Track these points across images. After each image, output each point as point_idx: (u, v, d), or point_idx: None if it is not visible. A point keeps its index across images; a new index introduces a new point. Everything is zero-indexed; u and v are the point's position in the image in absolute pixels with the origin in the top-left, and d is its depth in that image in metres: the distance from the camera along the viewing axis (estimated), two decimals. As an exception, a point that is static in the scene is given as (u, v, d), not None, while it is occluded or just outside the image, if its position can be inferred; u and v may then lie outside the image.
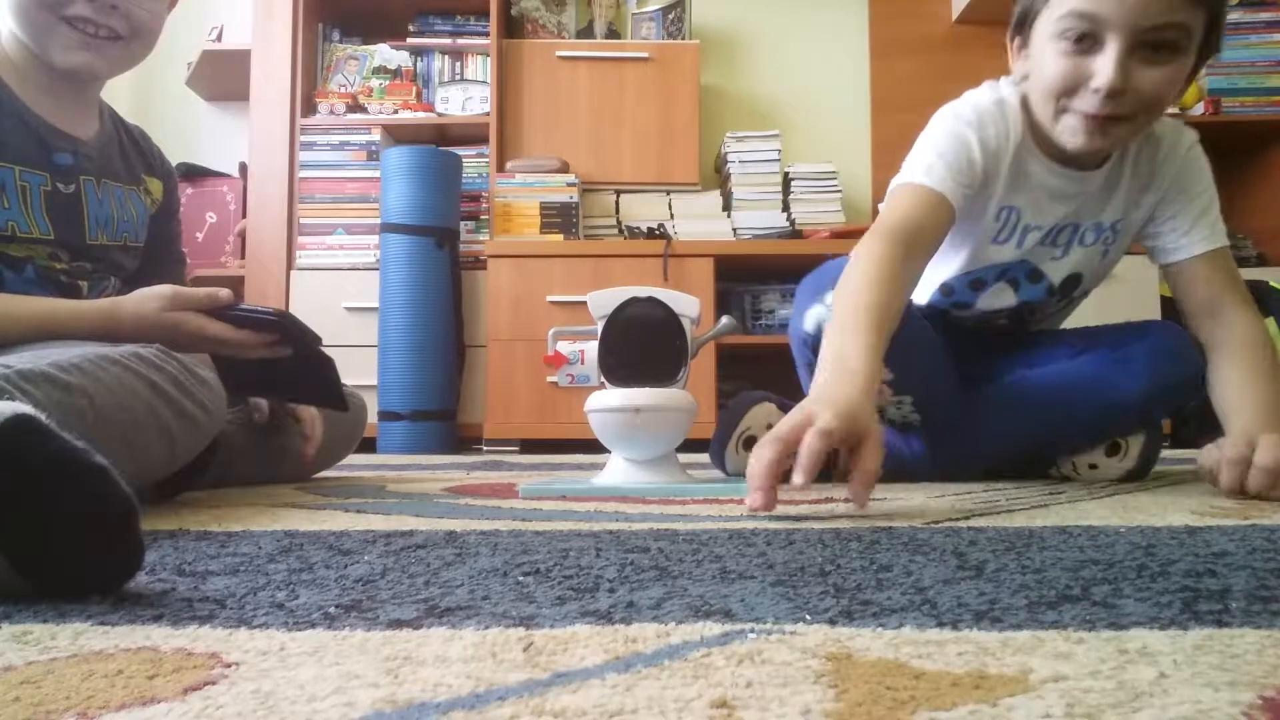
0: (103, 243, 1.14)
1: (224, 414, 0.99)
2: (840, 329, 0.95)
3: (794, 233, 2.83)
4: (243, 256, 2.92)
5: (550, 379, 2.59)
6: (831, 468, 1.17)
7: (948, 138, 1.14)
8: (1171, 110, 2.74)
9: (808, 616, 0.43)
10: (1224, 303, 1.16)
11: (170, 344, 0.96)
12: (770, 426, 1.17)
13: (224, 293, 1.07)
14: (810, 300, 1.23)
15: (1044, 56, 1.05)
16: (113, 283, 1.18)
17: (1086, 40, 1.01)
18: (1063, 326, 1.41)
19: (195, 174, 3.02)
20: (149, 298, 1.03)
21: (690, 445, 1.29)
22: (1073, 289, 1.28)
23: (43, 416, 0.49)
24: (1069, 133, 1.08)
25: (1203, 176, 1.20)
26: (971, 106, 1.16)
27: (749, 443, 1.26)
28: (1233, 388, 1.09)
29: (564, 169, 2.85)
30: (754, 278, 2.88)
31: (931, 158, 1.13)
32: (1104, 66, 1.00)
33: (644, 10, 3.07)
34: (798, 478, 0.76)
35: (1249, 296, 1.17)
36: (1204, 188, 1.20)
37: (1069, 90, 1.05)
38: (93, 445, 0.76)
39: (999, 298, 1.28)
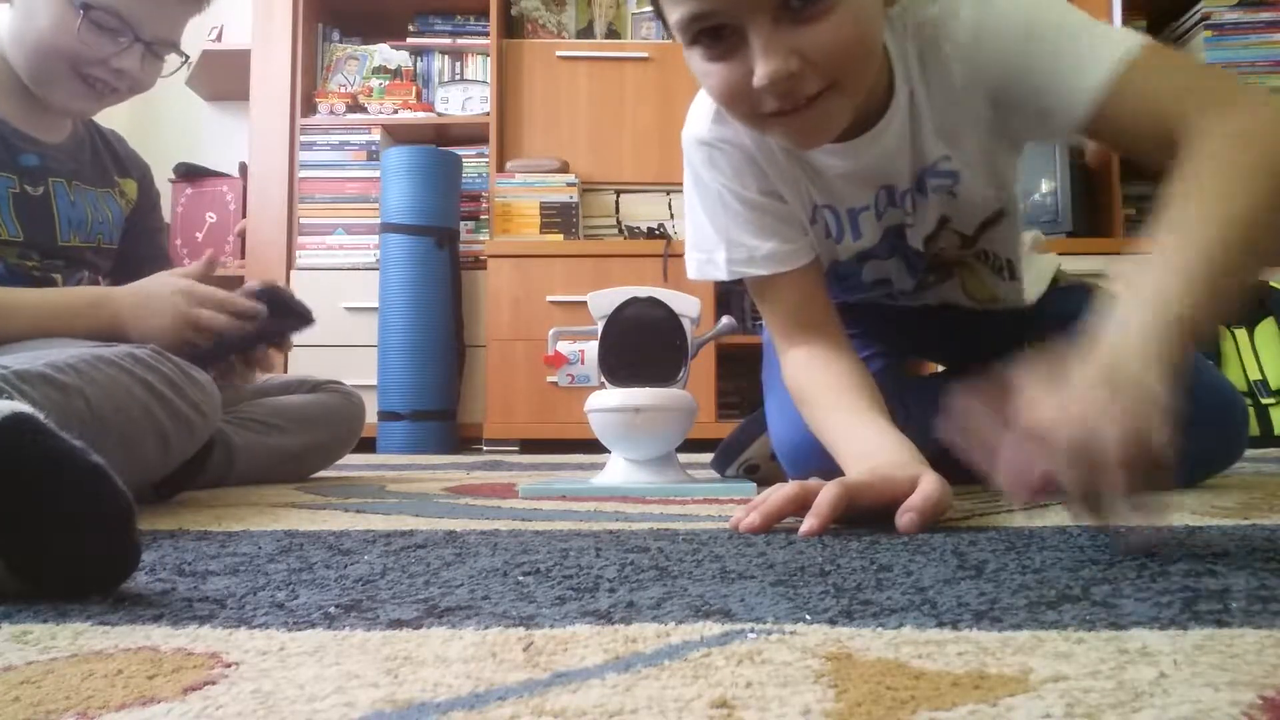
0: (75, 244, 1.16)
1: (218, 415, 0.99)
2: (843, 439, 0.86)
3: (794, 233, 2.82)
4: (243, 256, 2.92)
5: (550, 379, 2.59)
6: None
7: (706, 209, 0.97)
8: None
9: (808, 616, 0.43)
10: (1174, 125, 0.76)
11: (170, 313, 1.01)
12: (774, 456, 1.15)
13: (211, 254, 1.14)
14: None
15: (696, 72, 0.83)
16: (86, 276, 1.18)
17: (722, 38, 0.77)
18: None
19: (195, 174, 3.02)
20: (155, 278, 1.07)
21: (690, 445, 1.29)
22: (957, 228, 1.00)
23: (41, 415, 0.49)
24: (786, 141, 0.87)
25: (1032, 23, 0.82)
26: (696, 146, 0.96)
27: (751, 470, 1.22)
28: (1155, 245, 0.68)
29: (564, 169, 2.85)
30: (754, 278, 2.88)
31: (712, 241, 0.96)
32: (756, 60, 0.76)
33: (644, 10, 3.07)
34: (807, 525, 0.69)
35: (1221, 91, 0.78)
36: (1045, 28, 0.82)
37: (743, 100, 0.80)
38: (89, 446, 0.76)
39: (885, 270, 1.06)
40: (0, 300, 0.99)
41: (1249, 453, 1.66)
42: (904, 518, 0.69)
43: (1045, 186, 2.73)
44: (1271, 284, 2.44)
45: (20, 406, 0.49)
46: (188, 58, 1.19)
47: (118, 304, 1.04)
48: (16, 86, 1.11)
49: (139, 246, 1.29)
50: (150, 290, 1.06)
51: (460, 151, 2.87)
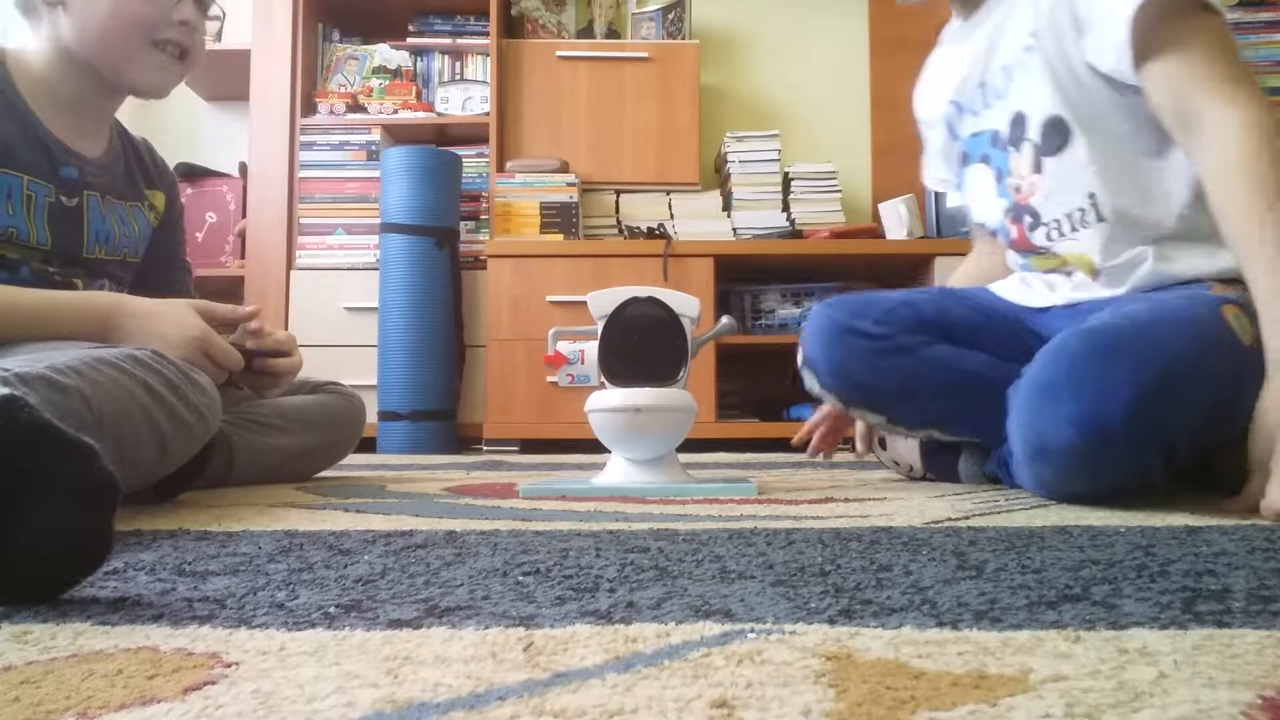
0: (100, 257, 1.17)
1: (219, 417, 0.99)
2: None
3: (794, 233, 2.83)
4: (243, 256, 2.92)
5: (550, 379, 2.59)
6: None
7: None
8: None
9: (808, 616, 0.43)
10: (1193, 105, 0.92)
11: (180, 336, 1.03)
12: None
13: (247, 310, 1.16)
14: None
15: None
16: (107, 285, 1.19)
17: None
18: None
19: (195, 174, 3.02)
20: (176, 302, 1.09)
21: (690, 445, 1.29)
22: (1041, 132, 1.07)
23: (30, 397, 0.49)
24: None
25: None
26: None
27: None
28: (1237, 246, 0.88)
29: (564, 169, 2.85)
30: (754, 278, 2.88)
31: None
32: None
33: (644, 10, 3.07)
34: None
35: (1236, 73, 0.92)
36: None
37: None
38: None
39: (983, 186, 1.18)
40: (7, 296, 0.99)
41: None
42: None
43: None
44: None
45: (12, 391, 0.49)
46: (224, 13, 1.23)
47: (128, 312, 1.04)
48: (63, 96, 1.13)
49: (161, 257, 1.31)
50: (166, 310, 1.06)
51: (460, 151, 2.87)
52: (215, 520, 0.84)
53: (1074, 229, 1.08)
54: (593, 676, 0.34)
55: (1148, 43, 0.93)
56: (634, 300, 1.12)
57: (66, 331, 0.99)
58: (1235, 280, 0.93)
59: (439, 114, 2.98)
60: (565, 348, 1.44)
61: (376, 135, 2.92)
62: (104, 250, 1.18)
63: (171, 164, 3.07)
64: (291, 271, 2.85)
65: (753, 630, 0.40)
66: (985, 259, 1.36)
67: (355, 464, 1.89)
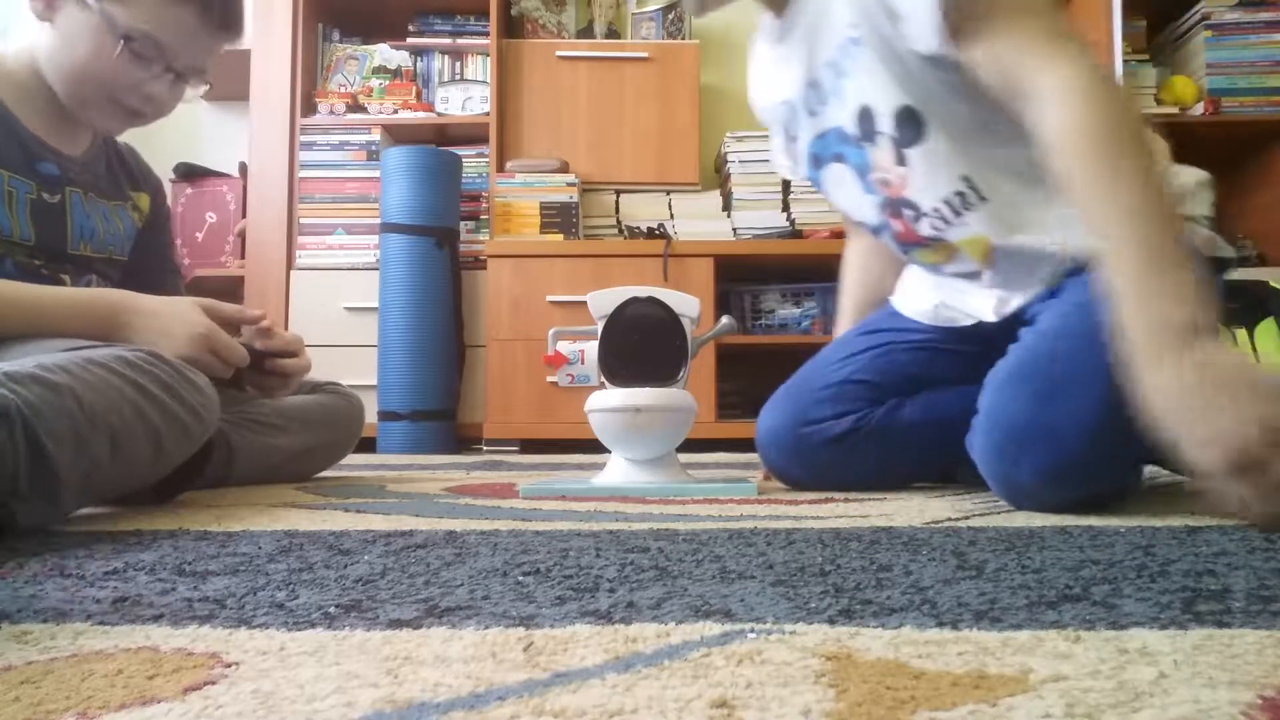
0: (85, 254, 1.17)
1: (216, 417, 0.99)
2: None
3: (794, 233, 2.83)
4: (243, 256, 2.92)
5: (550, 379, 2.59)
6: None
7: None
8: (1171, 110, 2.74)
9: (808, 616, 0.43)
10: (1018, 78, 0.84)
11: (185, 333, 1.04)
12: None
13: (255, 313, 1.18)
14: None
15: None
16: (95, 280, 1.19)
17: None
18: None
19: (195, 174, 3.02)
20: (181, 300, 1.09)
21: (690, 445, 1.29)
22: (893, 124, 0.99)
23: (21, 395, 0.48)
24: None
25: None
26: None
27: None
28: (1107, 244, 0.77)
29: (564, 169, 2.85)
30: (754, 278, 2.88)
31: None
32: None
33: (644, 10, 3.07)
34: None
35: (1053, 32, 0.84)
36: None
37: None
38: (82, 446, 0.76)
39: (846, 185, 1.10)
40: (8, 291, 0.99)
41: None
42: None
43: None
44: (1271, 284, 2.44)
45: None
46: (211, 85, 1.21)
47: (134, 309, 1.05)
48: (42, 98, 1.13)
49: (149, 259, 1.31)
50: (172, 308, 1.07)
51: (460, 151, 2.87)
52: (215, 520, 0.84)
53: (957, 213, 1.02)
54: (593, 676, 0.34)
55: (959, 22, 0.87)
56: (634, 300, 1.12)
57: (71, 328, 0.99)
58: None
59: (439, 114, 2.98)
60: (565, 348, 1.44)
61: (376, 135, 2.92)
62: (89, 247, 1.18)
63: (171, 164, 3.05)
64: (291, 271, 2.85)
65: (753, 630, 0.40)
66: (873, 257, 1.30)
67: (355, 464, 1.89)
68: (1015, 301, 1.04)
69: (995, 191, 1.00)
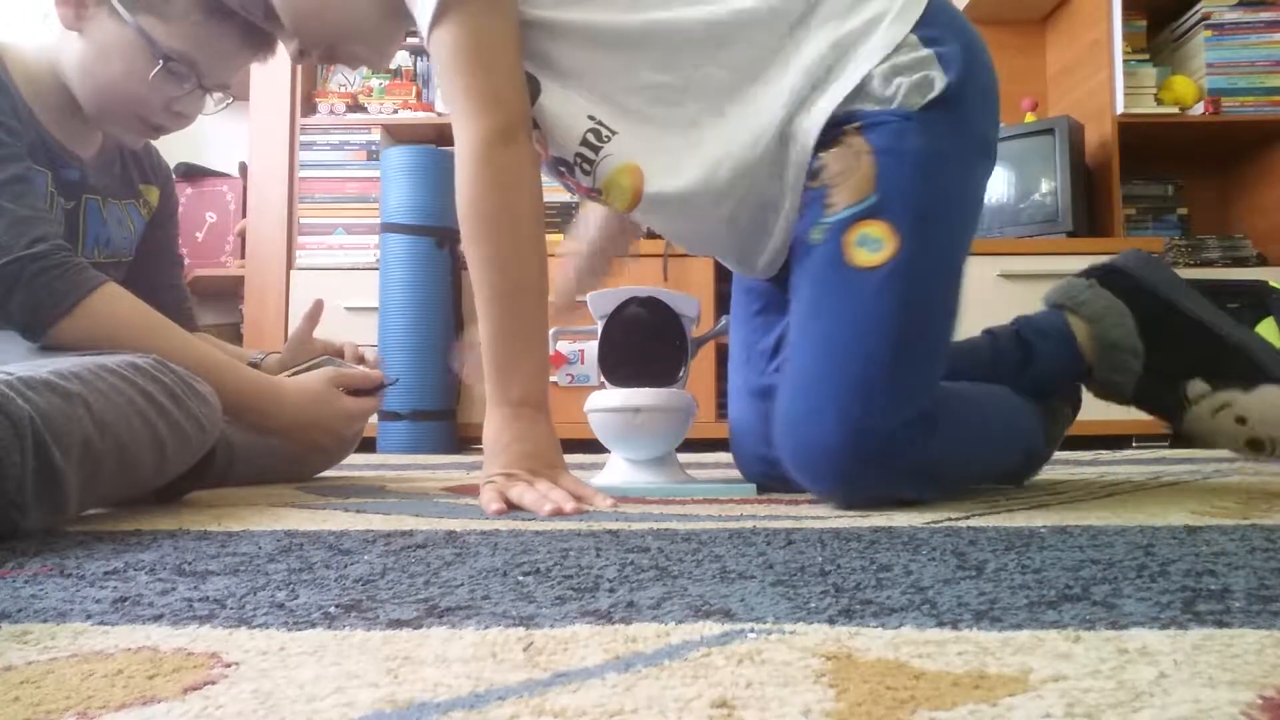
0: (96, 260, 1.17)
1: (218, 428, 0.99)
2: None
3: (794, 233, 2.82)
4: (243, 256, 2.92)
5: (550, 379, 2.59)
6: None
7: None
8: (1171, 110, 2.74)
9: (808, 616, 0.43)
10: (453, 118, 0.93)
11: (324, 418, 1.16)
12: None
13: (377, 374, 1.24)
14: None
15: None
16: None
17: None
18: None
19: (195, 174, 3.02)
20: (314, 377, 1.18)
21: (690, 445, 1.29)
22: None
23: (34, 401, 0.49)
24: None
25: None
26: None
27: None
28: None
29: (564, 169, 2.85)
30: (754, 278, 2.88)
31: None
32: None
33: (644, 10, 3.07)
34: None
35: (469, 83, 0.94)
36: None
37: None
38: (89, 455, 0.76)
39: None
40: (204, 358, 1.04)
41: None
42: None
43: (1045, 186, 2.72)
44: (1271, 284, 2.44)
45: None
46: (234, 99, 1.21)
47: (283, 397, 1.13)
48: (60, 100, 1.12)
49: (154, 249, 1.30)
50: (312, 391, 1.15)
51: (460, 151, 2.87)
52: (215, 520, 0.84)
53: (596, 152, 0.97)
54: (593, 676, 0.34)
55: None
56: (634, 300, 1.12)
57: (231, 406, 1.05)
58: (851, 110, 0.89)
59: (439, 114, 2.98)
60: (565, 348, 1.44)
61: (376, 135, 2.92)
62: (102, 254, 1.18)
63: (172, 164, 3.07)
64: (291, 271, 2.85)
65: (753, 630, 0.40)
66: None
67: (355, 464, 1.89)
68: (763, 260, 1.02)
69: (629, 114, 0.96)
